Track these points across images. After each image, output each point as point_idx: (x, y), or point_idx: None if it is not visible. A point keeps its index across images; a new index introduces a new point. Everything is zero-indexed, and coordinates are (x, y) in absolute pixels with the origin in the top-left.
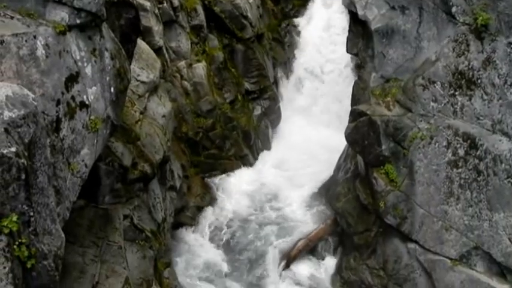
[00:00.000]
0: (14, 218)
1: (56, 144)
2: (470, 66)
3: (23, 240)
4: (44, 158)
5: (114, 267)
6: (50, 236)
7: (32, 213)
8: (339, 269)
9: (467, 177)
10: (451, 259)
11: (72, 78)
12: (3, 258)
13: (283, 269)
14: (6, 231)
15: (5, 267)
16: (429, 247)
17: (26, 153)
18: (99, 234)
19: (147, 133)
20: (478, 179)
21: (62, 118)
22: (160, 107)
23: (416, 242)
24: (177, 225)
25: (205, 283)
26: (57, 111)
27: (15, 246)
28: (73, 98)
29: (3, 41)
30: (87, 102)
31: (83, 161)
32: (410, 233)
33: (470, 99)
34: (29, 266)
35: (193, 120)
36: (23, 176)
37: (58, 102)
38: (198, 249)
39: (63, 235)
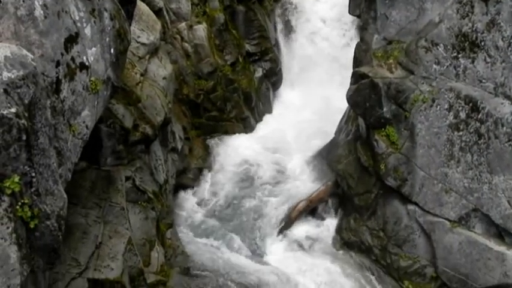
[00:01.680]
0: (16, 179)
1: (57, 106)
2: (474, 29)
3: (26, 201)
4: (45, 119)
5: (117, 228)
6: (52, 196)
7: (33, 174)
8: (339, 230)
9: (468, 140)
10: (450, 221)
11: (72, 39)
12: (6, 218)
13: (284, 230)
14: (9, 192)
15: (8, 228)
16: (429, 209)
17: (26, 114)
18: (101, 195)
19: (148, 95)
20: (479, 142)
21: (61, 79)
22: (161, 69)
23: (416, 203)
24: (179, 186)
25: (206, 243)
26: (56, 73)
27: (17, 207)
28: (73, 59)
29: (1, 2)
30: (87, 64)
31: (83, 122)
32: (410, 195)
33: (473, 62)
34: (32, 226)
35: (194, 82)
36: (24, 137)
37: (58, 64)
38: (200, 210)
39: (65, 196)
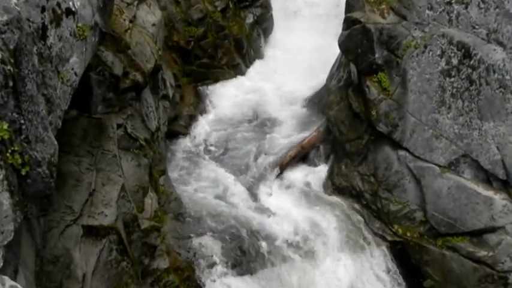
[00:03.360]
0: (5, 126)
1: (44, 52)
2: None
3: (16, 148)
4: (32, 66)
5: (110, 175)
6: (42, 143)
7: (22, 121)
8: (330, 175)
9: (459, 86)
10: (439, 166)
11: None
12: None
13: (276, 176)
14: None
15: None
16: (419, 154)
17: (12, 60)
18: (93, 143)
19: (137, 42)
20: (470, 88)
21: (48, 25)
22: (150, 15)
23: (406, 149)
24: (171, 134)
25: (200, 188)
26: (42, 18)
27: (8, 154)
28: (58, 4)
29: None
30: (73, 9)
31: (72, 69)
32: (401, 141)
33: (466, 8)
34: (23, 173)
35: (184, 29)
36: (11, 83)
37: (43, 9)
38: (193, 156)
39: (55, 142)
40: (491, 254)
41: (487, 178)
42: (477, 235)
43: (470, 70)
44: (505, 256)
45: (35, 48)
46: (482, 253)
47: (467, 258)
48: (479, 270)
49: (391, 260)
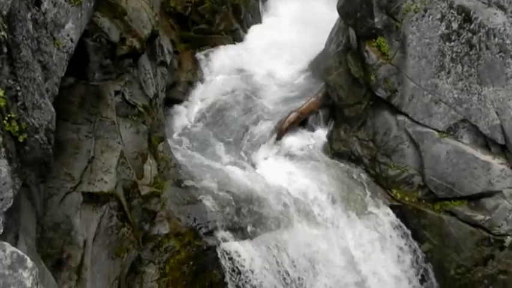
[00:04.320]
0: (1, 93)
1: (38, 18)
2: None
3: (13, 115)
4: (26, 32)
5: (109, 142)
6: (39, 110)
7: (18, 88)
8: (329, 140)
9: (459, 51)
10: (438, 131)
11: None
12: None
13: (275, 141)
14: None
15: None
16: (418, 119)
17: (6, 26)
18: (91, 110)
19: (134, 8)
20: (470, 52)
21: None
22: None
23: (405, 114)
24: (170, 101)
25: (197, 154)
26: None
27: (5, 122)
28: None
29: None
30: None
31: (68, 35)
32: (400, 106)
33: None
34: (21, 140)
35: None
36: (5, 50)
37: None
38: (191, 123)
39: (53, 109)
40: (488, 217)
41: (486, 143)
42: (475, 199)
43: (470, 34)
44: (501, 220)
45: (29, 14)
46: (479, 217)
47: (464, 222)
48: (476, 234)
49: (396, 221)
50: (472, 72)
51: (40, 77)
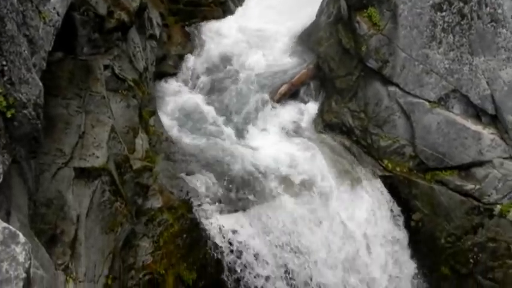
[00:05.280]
0: None
1: None
2: None
3: (0, 90)
4: (10, 5)
5: (99, 117)
6: (27, 85)
7: (4, 63)
8: (320, 112)
9: (450, 20)
10: (429, 101)
11: None
12: None
13: (266, 113)
14: None
15: None
16: (409, 90)
17: None
18: (80, 85)
19: None
20: (462, 22)
21: None
22: None
23: (396, 85)
24: (160, 74)
25: (188, 127)
26: None
27: None
28: None
29: None
30: None
31: (54, 8)
32: (391, 77)
33: None
34: (9, 115)
35: None
36: None
37: None
38: (182, 97)
39: (40, 84)
40: (478, 187)
41: (476, 113)
42: (465, 169)
43: (462, 4)
44: (491, 189)
45: None
46: (469, 186)
47: (455, 192)
48: (466, 203)
49: (387, 192)
50: (464, 42)
51: (26, 51)
